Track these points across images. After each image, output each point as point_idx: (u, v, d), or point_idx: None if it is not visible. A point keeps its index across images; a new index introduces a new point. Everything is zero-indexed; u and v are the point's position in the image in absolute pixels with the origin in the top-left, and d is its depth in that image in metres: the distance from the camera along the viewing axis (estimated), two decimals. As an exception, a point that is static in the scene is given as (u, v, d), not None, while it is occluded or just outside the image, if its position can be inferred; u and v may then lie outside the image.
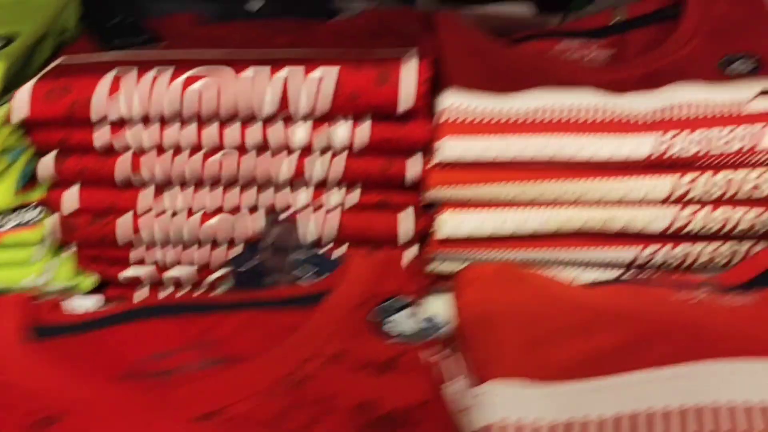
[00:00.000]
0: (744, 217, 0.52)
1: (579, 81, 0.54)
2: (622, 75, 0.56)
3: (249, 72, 0.48)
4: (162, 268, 0.56)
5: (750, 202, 0.52)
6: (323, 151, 0.51)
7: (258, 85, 0.48)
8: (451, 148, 0.50)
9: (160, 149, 0.51)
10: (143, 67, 0.49)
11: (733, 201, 0.52)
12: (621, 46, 0.60)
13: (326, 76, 0.48)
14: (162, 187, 0.53)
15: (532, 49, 0.59)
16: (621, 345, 0.39)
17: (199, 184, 0.53)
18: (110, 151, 0.51)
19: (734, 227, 0.52)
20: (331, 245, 0.54)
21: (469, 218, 0.53)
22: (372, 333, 0.37)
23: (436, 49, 0.56)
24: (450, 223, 0.53)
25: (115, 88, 0.48)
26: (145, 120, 0.49)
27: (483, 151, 0.50)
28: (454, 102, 0.52)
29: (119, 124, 0.50)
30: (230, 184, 0.53)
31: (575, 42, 0.60)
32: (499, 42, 0.59)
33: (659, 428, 0.32)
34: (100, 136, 0.50)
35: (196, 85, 0.48)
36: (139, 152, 0.51)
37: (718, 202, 0.52)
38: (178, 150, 0.51)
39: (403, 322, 0.37)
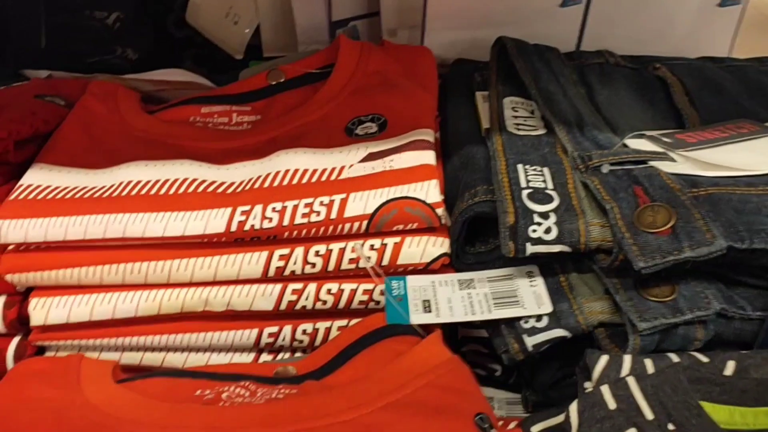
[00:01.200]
0: (357, 291, 0.47)
1: (193, 150, 0.51)
2: (248, 141, 0.53)
3: None
4: None
5: (357, 276, 0.47)
6: None
7: None
8: (10, 230, 0.46)
9: None
10: None
11: (339, 276, 0.47)
12: (268, 109, 0.56)
13: None
14: None
15: (168, 117, 0.56)
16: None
17: None
18: None
19: (350, 303, 0.47)
20: None
21: (58, 303, 0.48)
22: None
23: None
24: (39, 310, 0.48)
25: None
26: None
27: (47, 232, 0.46)
28: (29, 180, 0.48)
29: None
30: None
31: (221, 107, 0.56)
32: (137, 110, 0.56)
33: None
34: None
35: None
36: None
37: (322, 277, 0.47)
38: None
39: None
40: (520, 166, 0.46)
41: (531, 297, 0.44)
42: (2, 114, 0.52)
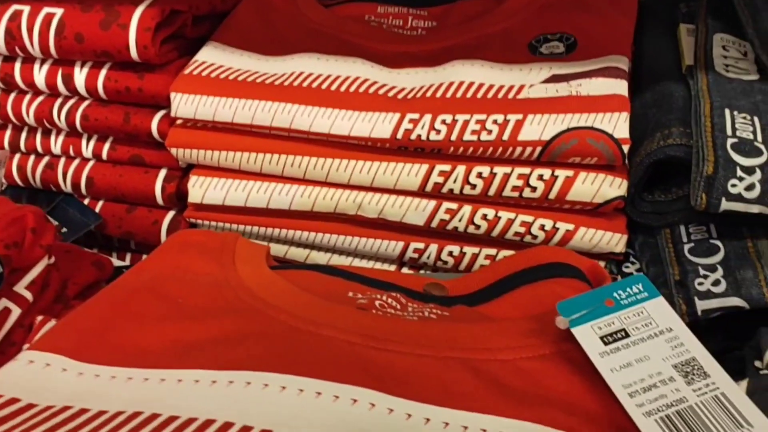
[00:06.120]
0: (514, 222, 0.44)
1: (366, 49, 0.49)
2: (423, 47, 0.50)
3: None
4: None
5: (517, 205, 0.44)
6: (66, 97, 0.49)
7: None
8: (182, 104, 0.46)
9: None
10: None
11: (498, 202, 0.44)
12: (446, 16, 0.53)
13: (52, 16, 0.46)
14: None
15: (344, 13, 0.54)
16: (222, 339, 0.34)
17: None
18: None
19: (504, 232, 0.45)
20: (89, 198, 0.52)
21: (216, 185, 0.49)
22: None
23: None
24: (198, 188, 0.49)
25: None
26: None
27: (216, 111, 0.46)
28: (204, 56, 0.48)
29: None
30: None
31: (397, 8, 0.54)
32: (313, 2, 0.54)
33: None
34: None
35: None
36: None
37: (480, 201, 0.44)
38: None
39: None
40: (727, 112, 0.40)
41: None
42: (183, -12, 0.51)
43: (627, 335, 0.31)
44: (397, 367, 0.32)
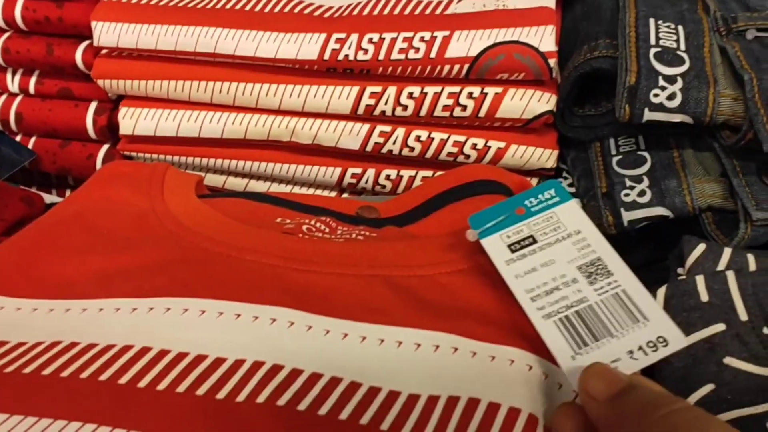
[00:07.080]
0: (447, 142, 0.44)
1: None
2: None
3: None
4: None
5: (449, 125, 0.44)
6: (-17, 30, 0.47)
7: None
8: (103, 33, 0.45)
9: None
10: None
11: (430, 123, 0.44)
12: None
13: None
14: None
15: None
16: (144, 268, 0.34)
17: None
18: None
19: (438, 153, 0.45)
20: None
21: (146, 115, 0.48)
22: None
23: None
24: (128, 120, 0.48)
25: None
26: None
27: (139, 38, 0.45)
28: (124, -18, 0.46)
29: None
30: None
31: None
32: None
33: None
34: None
35: None
36: None
37: (412, 122, 0.44)
38: None
39: None
40: (651, 21, 0.40)
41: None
42: None
43: (535, 241, 0.31)
44: (318, 286, 0.32)
